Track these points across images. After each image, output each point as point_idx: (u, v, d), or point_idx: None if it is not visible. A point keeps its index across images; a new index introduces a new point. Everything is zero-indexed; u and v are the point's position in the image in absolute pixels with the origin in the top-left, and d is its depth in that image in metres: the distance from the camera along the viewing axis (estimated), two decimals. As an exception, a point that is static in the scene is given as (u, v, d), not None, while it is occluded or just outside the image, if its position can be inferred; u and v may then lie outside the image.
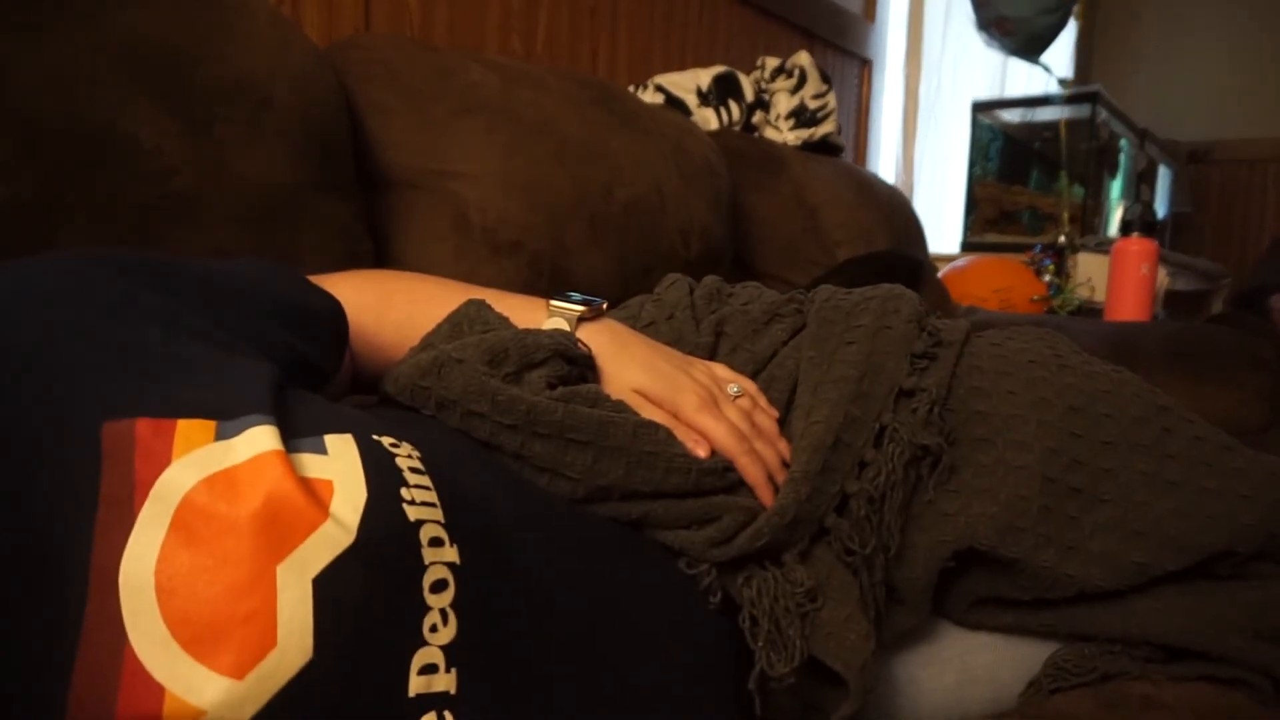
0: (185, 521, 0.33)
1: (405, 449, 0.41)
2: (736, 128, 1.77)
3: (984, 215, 2.89)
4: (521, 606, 0.43)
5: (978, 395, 0.63)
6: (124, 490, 0.33)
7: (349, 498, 0.36)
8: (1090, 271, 2.30)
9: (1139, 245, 2.07)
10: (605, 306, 0.65)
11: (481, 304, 0.60)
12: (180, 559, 0.32)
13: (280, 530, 0.33)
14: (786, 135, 1.82)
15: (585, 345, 0.59)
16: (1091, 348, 1.63)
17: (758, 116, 1.82)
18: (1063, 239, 2.34)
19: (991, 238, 2.85)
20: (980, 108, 2.90)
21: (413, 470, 0.40)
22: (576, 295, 0.64)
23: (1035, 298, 2.17)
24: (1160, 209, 3.48)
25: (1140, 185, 3.05)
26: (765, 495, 0.56)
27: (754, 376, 0.66)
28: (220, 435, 0.36)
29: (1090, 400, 0.61)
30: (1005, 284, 2.10)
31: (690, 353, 0.67)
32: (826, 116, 1.84)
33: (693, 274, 1.28)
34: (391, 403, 0.57)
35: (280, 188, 0.79)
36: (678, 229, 1.19)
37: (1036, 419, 0.60)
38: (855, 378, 0.60)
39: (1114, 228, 2.88)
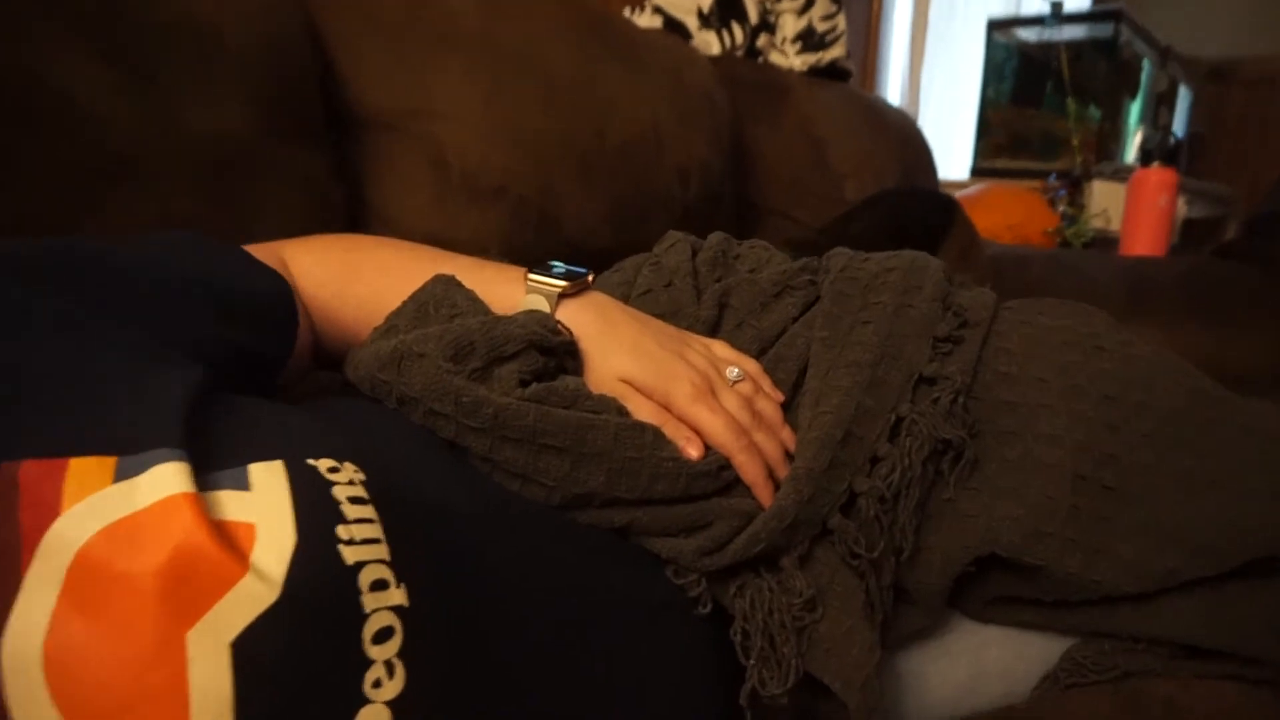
0: (79, 582, 0.28)
1: (347, 471, 0.36)
2: (739, 52, 1.67)
3: (995, 140, 2.78)
4: (485, 636, 0.38)
5: (1005, 382, 0.57)
6: (6, 548, 0.28)
7: (274, 543, 0.31)
8: (1106, 201, 2.22)
9: (1158, 176, 1.98)
10: (591, 278, 0.59)
11: (449, 281, 0.54)
12: (74, 628, 0.28)
13: (191, 589, 0.29)
14: (793, 60, 1.71)
15: (566, 328, 0.53)
16: (1107, 287, 1.57)
17: (762, 39, 1.71)
18: (1077, 168, 2.24)
19: (1003, 163, 2.75)
20: (996, 25, 2.75)
21: (354, 500, 0.35)
22: (559, 266, 0.58)
23: (1048, 230, 2.09)
24: (1178, 131, 3.35)
25: (1160, 108, 2.92)
26: (764, 495, 0.51)
27: (759, 355, 0.61)
28: (121, 474, 0.31)
29: (1127, 387, 0.55)
30: (1018, 218, 2.02)
31: (689, 327, 0.61)
32: (836, 40, 1.73)
33: (693, 217, 1.22)
34: (354, 389, 0.52)
35: (235, 138, 0.72)
36: (675, 169, 1.12)
37: (1068, 409, 0.55)
38: (870, 363, 0.55)
39: (1132, 154, 2.77)
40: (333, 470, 0.36)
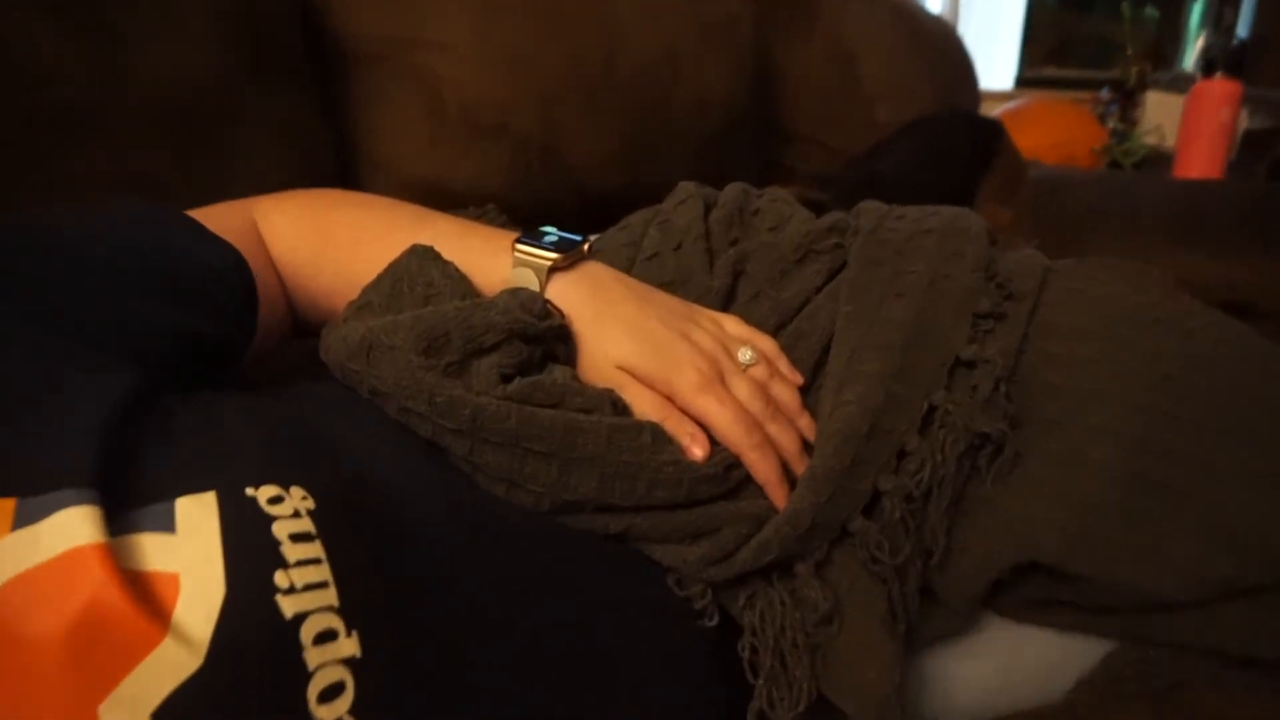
0: None
1: (293, 500, 0.32)
2: (766, -42, 1.53)
3: (1043, 46, 2.60)
4: (454, 678, 0.34)
5: (1051, 363, 0.51)
6: None
7: (200, 597, 0.27)
8: (1161, 115, 2.06)
9: (1221, 88, 1.83)
10: (589, 246, 0.53)
11: (426, 254, 0.48)
12: None
13: (102, 655, 0.25)
14: (824, -35, 1.57)
15: (556, 308, 0.48)
16: (1156, 216, 1.46)
17: (791, -58, 1.57)
18: (1131, 79, 2.08)
19: (1050, 72, 2.58)
20: (1049, -83, 2.54)
21: (297, 538, 0.31)
22: (551, 233, 0.52)
23: (1096, 148, 1.96)
24: (1242, 33, 3.12)
25: (1224, 7, 2.70)
26: (777, 496, 0.46)
27: (778, 330, 0.55)
28: (20, 520, 0.27)
29: (1188, 368, 0.49)
30: (1064, 135, 1.89)
31: (700, 298, 0.56)
32: (871, -59, 1.59)
33: (712, 150, 1.13)
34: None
35: (201, 81, 0.66)
36: (694, 99, 1.03)
37: (1121, 395, 0.49)
38: (902, 344, 0.49)
39: (1191, 60, 2.58)
40: (274, 501, 0.32)
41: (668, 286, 0.56)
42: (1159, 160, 2.03)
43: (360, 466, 0.40)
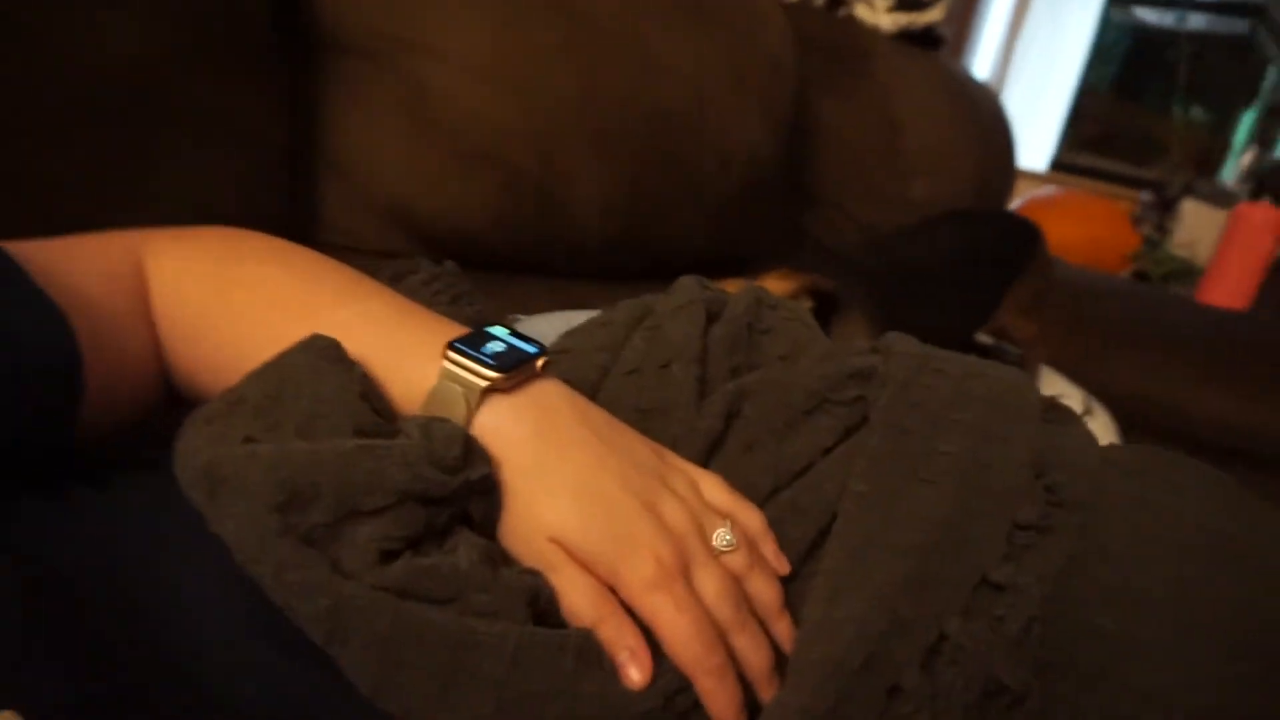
0: None
1: None
2: (820, 1, 1.42)
3: (1087, 132, 2.50)
4: None
5: (1100, 599, 0.40)
6: None
7: None
8: (1197, 228, 1.97)
9: (1265, 214, 1.74)
10: (541, 364, 0.41)
11: (325, 352, 0.37)
12: None
13: None
14: (881, 18, 1.46)
15: (483, 448, 0.36)
16: (1187, 342, 1.37)
17: (850, -14, 1.46)
18: (1174, 186, 1.99)
19: (1088, 160, 2.49)
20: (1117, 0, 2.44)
21: None
22: (499, 337, 0.40)
23: (1127, 253, 1.86)
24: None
25: (1274, 122, 2.62)
26: None
27: (770, 496, 0.43)
28: None
29: (1269, 624, 0.38)
30: (1096, 234, 1.80)
31: (680, 438, 0.44)
32: (938, 0, 1.48)
33: (729, 211, 1.01)
34: None
35: (129, 69, 0.53)
36: (716, 151, 0.91)
37: (1189, 656, 0.38)
38: (922, 549, 0.38)
39: (1234, 172, 2.50)
40: None
41: (644, 415, 0.45)
42: (1187, 275, 1.94)
43: (146, 649, 0.29)
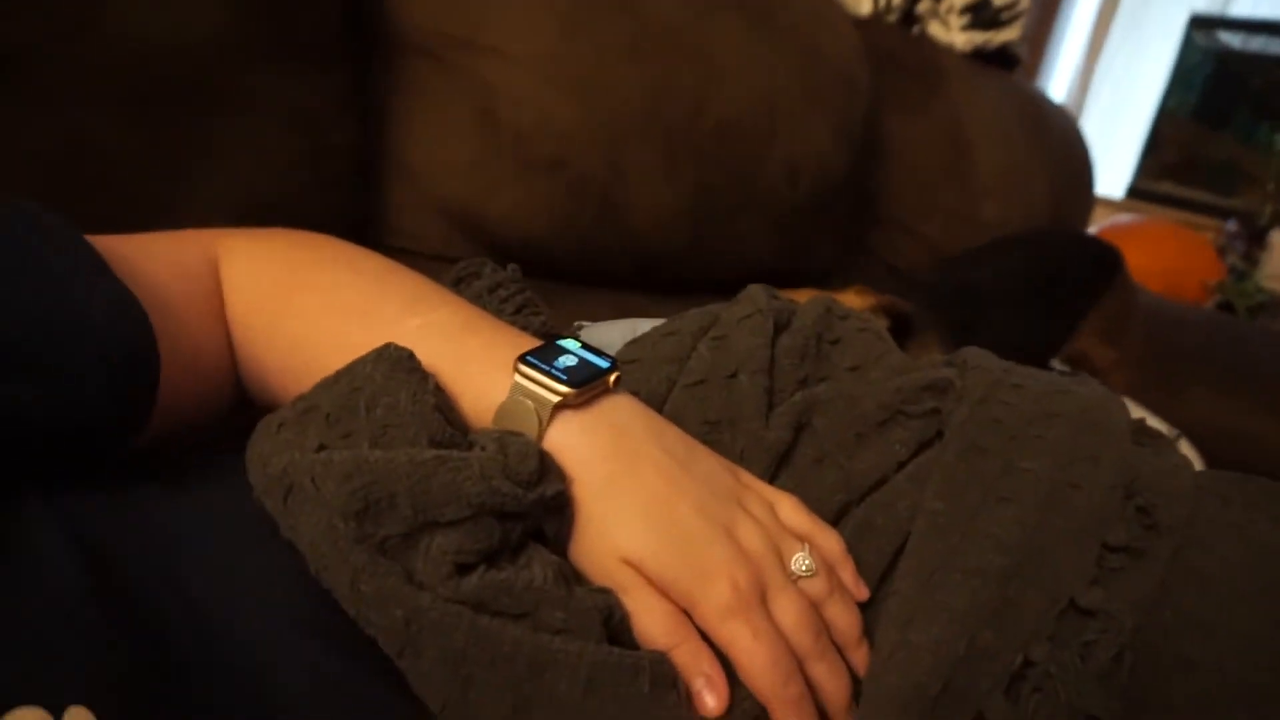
0: None
1: None
2: (893, 16, 1.39)
3: (1166, 158, 2.41)
4: None
5: (1192, 630, 0.38)
6: None
7: None
8: (1287, 261, 1.88)
9: (1365, 246, 1.65)
10: (614, 379, 0.39)
11: (399, 362, 0.36)
12: None
13: None
14: (955, 36, 1.43)
15: (556, 467, 0.35)
16: (1273, 378, 1.29)
17: (924, 3, 1.43)
18: (1265, 216, 1.90)
19: (1167, 188, 2.39)
20: (1200, 23, 2.35)
21: None
22: (571, 351, 0.39)
23: (1210, 283, 1.78)
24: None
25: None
26: None
27: (841, 512, 0.42)
28: None
29: None
30: (1177, 264, 1.72)
31: (747, 451, 0.42)
32: (1014, 18, 1.44)
33: (796, 223, 0.98)
34: None
35: (194, 50, 0.53)
36: (785, 162, 0.89)
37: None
38: (1001, 574, 0.36)
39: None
40: None
41: (711, 427, 0.43)
42: (1276, 308, 1.84)
43: (212, 652, 0.29)
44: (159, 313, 0.37)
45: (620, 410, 0.38)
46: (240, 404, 0.45)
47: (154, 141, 0.52)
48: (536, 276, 0.59)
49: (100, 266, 0.35)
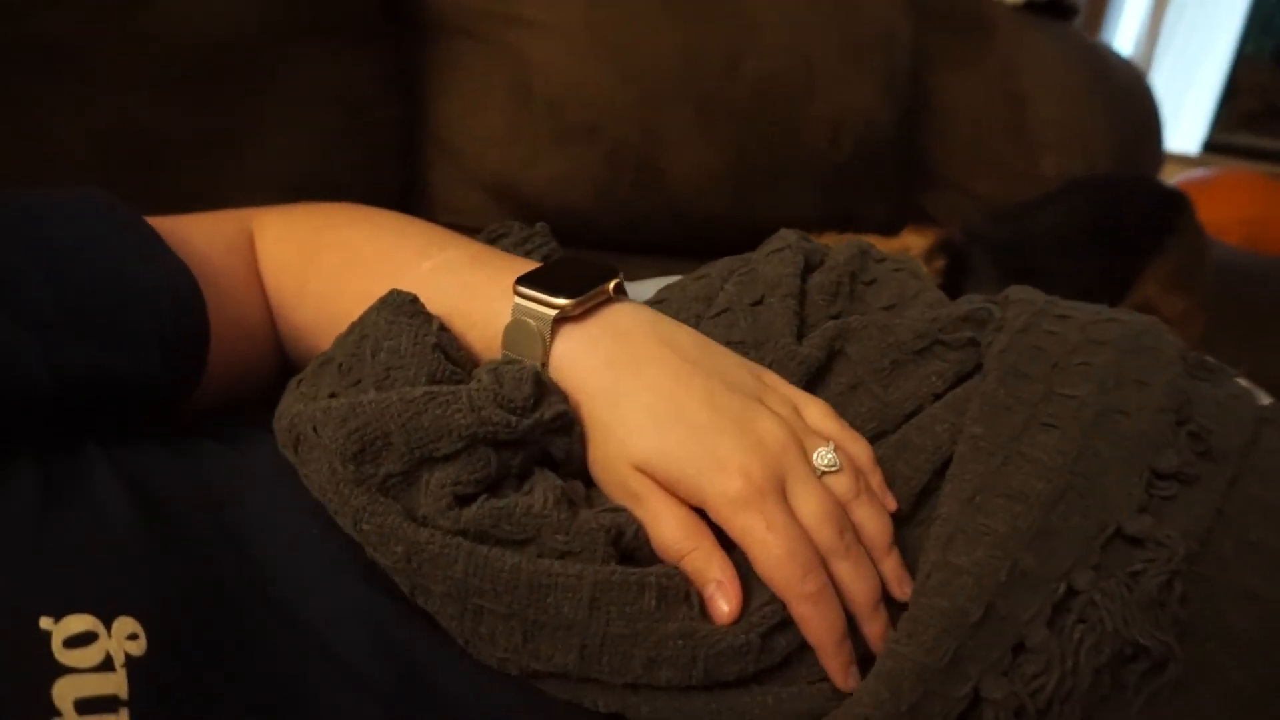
0: None
1: (106, 642, 0.25)
2: (939, -29, 1.36)
3: (1244, 107, 2.30)
4: None
5: (1252, 559, 0.36)
6: None
7: None
8: (1379, 207, 1.77)
9: None
10: (614, 285, 0.39)
11: (401, 306, 0.37)
12: None
13: None
14: (1005, -12, 1.38)
15: (556, 385, 0.35)
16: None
17: (971, -43, 1.39)
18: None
19: (1247, 139, 2.28)
20: (1276, -37, 2.23)
21: (88, 708, 0.24)
22: (570, 265, 0.39)
23: (1294, 235, 1.69)
24: None
25: None
26: (836, 671, 0.33)
27: (875, 441, 0.40)
28: None
29: None
30: (1257, 213, 1.64)
31: (778, 364, 0.41)
32: (1066, -34, 1.39)
33: (841, 184, 0.98)
34: None
35: (239, 30, 0.56)
36: (827, 120, 0.88)
37: None
38: (1045, 497, 0.35)
39: None
40: (78, 642, 0.25)
41: (736, 348, 0.42)
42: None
43: (255, 584, 0.31)
44: (207, 283, 0.40)
45: (623, 316, 0.37)
46: (285, 369, 0.47)
47: (200, 122, 0.55)
48: (580, 245, 0.60)
49: (158, 243, 0.38)
